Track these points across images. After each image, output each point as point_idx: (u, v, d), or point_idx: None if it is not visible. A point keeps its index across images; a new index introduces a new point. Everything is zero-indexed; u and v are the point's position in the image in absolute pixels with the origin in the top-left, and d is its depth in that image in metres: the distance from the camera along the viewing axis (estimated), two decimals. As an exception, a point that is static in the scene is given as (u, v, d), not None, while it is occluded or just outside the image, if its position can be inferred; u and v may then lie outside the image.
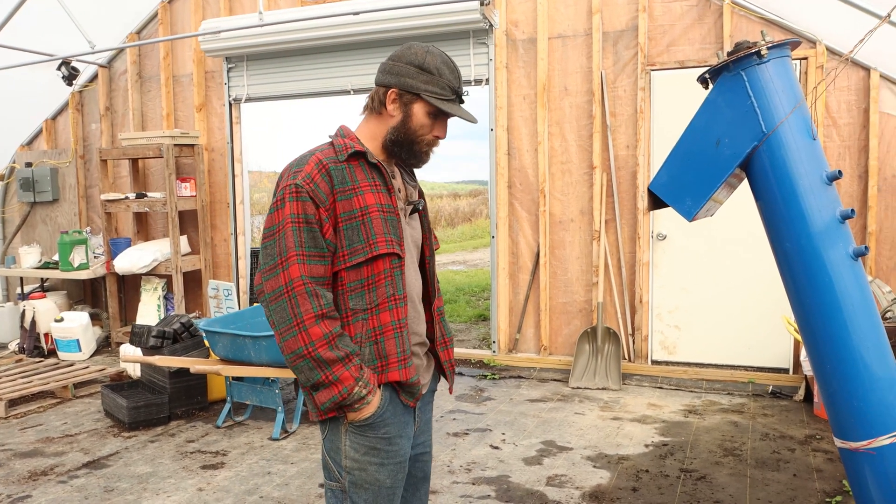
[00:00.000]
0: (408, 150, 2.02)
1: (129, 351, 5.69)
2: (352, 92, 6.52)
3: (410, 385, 2.01)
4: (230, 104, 7.04)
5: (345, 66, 6.51)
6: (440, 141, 2.06)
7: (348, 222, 1.92)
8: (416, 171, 2.19)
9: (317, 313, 1.85)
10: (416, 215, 2.13)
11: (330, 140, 2.04)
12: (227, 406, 4.94)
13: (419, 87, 1.95)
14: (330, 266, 1.92)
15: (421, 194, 2.17)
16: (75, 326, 6.75)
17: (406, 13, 5.72)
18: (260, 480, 4.01)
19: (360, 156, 1.98)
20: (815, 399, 4.88)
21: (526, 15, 5.98)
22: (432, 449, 2.28)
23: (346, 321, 1.95)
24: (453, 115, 2.02)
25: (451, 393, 2.41)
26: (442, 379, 2.27)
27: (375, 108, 2.02)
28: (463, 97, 2.03)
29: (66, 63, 6.52)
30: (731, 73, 2.36)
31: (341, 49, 6.44)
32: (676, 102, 5.57)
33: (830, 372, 2.34)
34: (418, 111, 1.98)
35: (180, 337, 5.11)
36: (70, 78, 6.57)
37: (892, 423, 2.26)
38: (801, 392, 5.15)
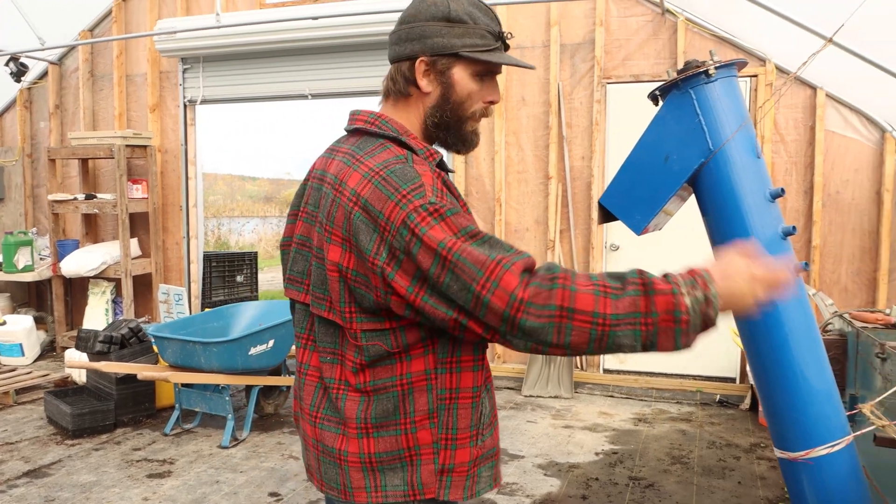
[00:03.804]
0: (456, 132, 1.55)
1: (74, 356, 5.55)
2: (309, 97, 6.49)
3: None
4: (185, 105, 6.93)
5: (303, 71, 6.47)
6: (493, 107, 1.61)
7: None
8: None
9: (563, 286, 1.34)
10: None
11: (381, 140, 1.49)
12: (176, 413, 4.85)
13: (455, 45, 1.49)
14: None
15: None
16: (18, 330, 6.55)
17: (365, 19, 5.72)
18: (208, 489, 3.94)
19: (441, 166, 1.55)
20: (760, 408, 5.00)
21: (485, 25, 6.01)
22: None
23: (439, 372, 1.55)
24: (505, 66, 1.56)
25: None
26: None
27: (402, 90, 1.54)
28: (507, 41, 1.56)
29: (14, 59, 6.35)
30: (679, 90, 2.40)
31: (300, 53, 6.40)
32: (631, 115, 5.64)
33: (771, 384, 2.40)
34: (461, 76, 1.51)
35: (128, 342, 5.00)
36: (18, 74, 6.42)
37: (829, 434, 2.32)
38: (748, 401, 5.27)
